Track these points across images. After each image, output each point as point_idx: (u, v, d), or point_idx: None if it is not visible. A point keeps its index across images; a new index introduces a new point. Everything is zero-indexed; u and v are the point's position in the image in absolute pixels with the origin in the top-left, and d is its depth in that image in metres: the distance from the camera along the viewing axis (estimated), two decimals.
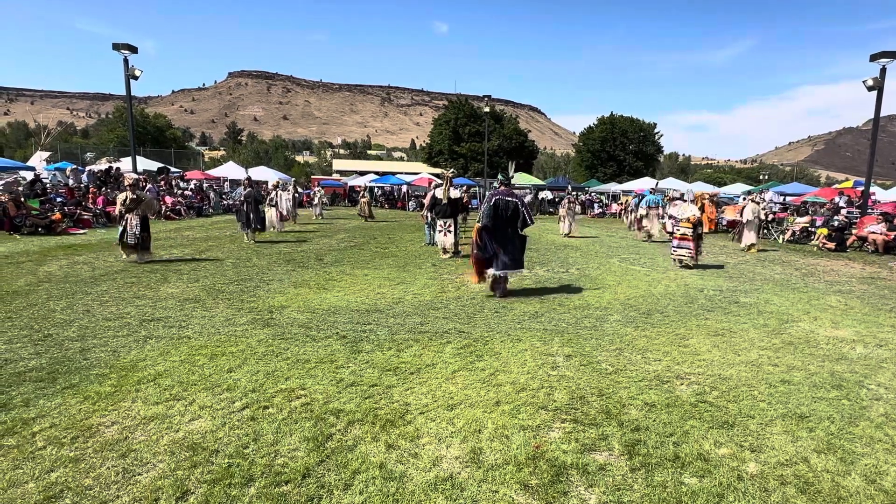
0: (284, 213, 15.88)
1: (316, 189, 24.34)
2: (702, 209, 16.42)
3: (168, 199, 19.97)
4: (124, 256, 9.40)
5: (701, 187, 34.90)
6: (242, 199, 12.95)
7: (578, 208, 17.76)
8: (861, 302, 7.55)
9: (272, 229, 15.12)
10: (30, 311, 5.78)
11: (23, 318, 5.49)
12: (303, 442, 3.06)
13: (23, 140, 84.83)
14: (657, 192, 18.31)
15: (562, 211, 17.71)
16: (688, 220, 10.28)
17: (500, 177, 7.82)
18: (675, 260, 10.53)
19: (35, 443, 2.98)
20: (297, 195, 20.70)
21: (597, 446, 3.12)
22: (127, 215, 9.22)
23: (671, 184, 33.62)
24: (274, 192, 15.57)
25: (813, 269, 10.74)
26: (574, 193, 21.70)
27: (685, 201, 11.16)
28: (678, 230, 10.45)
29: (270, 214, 15.06)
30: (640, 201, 18.32)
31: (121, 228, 9.31)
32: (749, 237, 13.95)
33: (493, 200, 7.23)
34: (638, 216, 17.75)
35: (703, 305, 7.03)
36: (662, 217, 18.10)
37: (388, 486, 2.66)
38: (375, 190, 36.23)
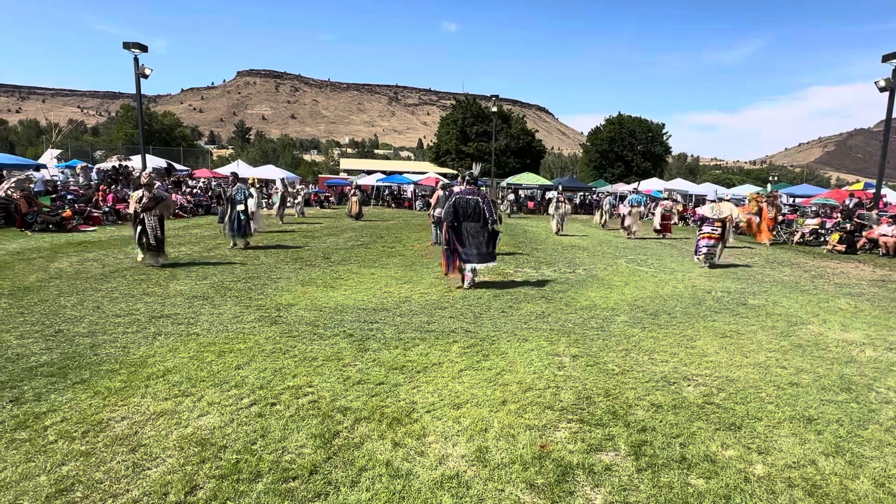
0: (251, 211, 15.11)
1: (300, 187, 23.55)
2: (759, 213, 16.07)
3: (176, 197, 20.13)
4: (140, 258, 8.74)
5: (711, 188, 34.74)
6: (227, 198, 11.54)
7: (568, 207, 18.55)
8: (871, 305, 7.48)
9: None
10: (41, 307, 5.85)
11: (34, 314, 5.56)
12: (310, 439, 3.08)
13: (34, 138, 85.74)
14: (641, 192, 20.08)
15: (551, 209, 18.65)
16: (723, 220, 10.64)
17: (466, 176, 8.15)
18: (704, 257, 10.57)
19: (47, 436, 3.02)
20: (285, 193, 19.55)
21: (603, 446, 3.11)
22: (143, 214, 8.56)
23: (679, 185, 33.51)
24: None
25: (822, 272, 10.65)
26: (565, 194, 22.00)
27: (714, 201, 11.38)
28: (715, 231, 10.59)
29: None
30: (610, 199, 20.07)
31: (139, 229, 8.61)
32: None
33: (453, 199, 7.65)
34: (622, 215, 18.63)
35: (711, 307, 7.00)
36: (647, 215, 18.93)
37: (395, 484, 2.67)
38: (383, 189, 36.33)
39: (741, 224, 16.24)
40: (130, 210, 8.85)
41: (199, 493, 2.54)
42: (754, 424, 3.46)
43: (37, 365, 4.11)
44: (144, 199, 8.63)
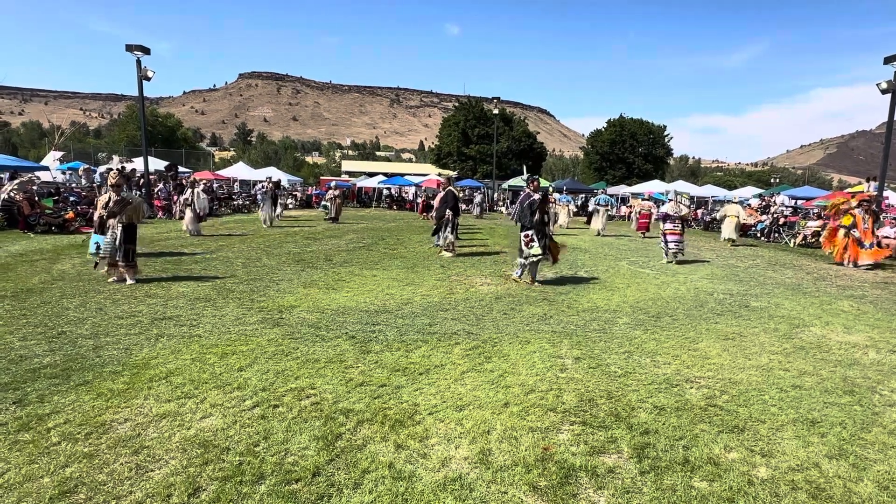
0: (201, 212, 14.06)
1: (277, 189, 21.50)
2: (851, 226, 12.01)
3: (177, 198, 20.16)
4: (103, 271, 7.57)
5: (712, 190, 34.71)
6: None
7: (557, 208, 19.23)
8: (874, 307, 7.47)
9: (186, 233, 13.89)
10: (44, 309, 5.86)
11: (37, 316, 5.57)
12: (312, 441, 3.08)
13: (37, 140, 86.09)
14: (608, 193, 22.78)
15: None
16: (682, 217, 11.79)
17: (528, 180, 9.01)
18: (671, 254, 11.49)
19: (50, 438, 3.03)
20: (277, 192, 18.87)
21: (606, 449, 3.11)
22: (110, 222, 7.38)
23: (680, 186, 33.49)
24: (190, 191, 14.12)
25: (825, 274, 10.63)
26: (556, 195, 22.45)
27: (672, 200, 12.25)
28: (676, 227, 11.51)
29: (186, 217, 14.04)
30: (568, 199, 22.19)
31: (95, 239, 7.54)
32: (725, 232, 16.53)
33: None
34: (589, 212, 20.97)
35: (713, 309, 6.99)
36: (632, 216, 20.15)
37: (398, 486, 2.67)
38: (384, 191, 36.37)
39: (822, 239, 13.70)
40: (96, 216, 7.67)
41: (202, 495, 2.54)
42: (757, 427, 3.45)
43: (40, 367, 4.12)
44: (111, 204, 7.41)
